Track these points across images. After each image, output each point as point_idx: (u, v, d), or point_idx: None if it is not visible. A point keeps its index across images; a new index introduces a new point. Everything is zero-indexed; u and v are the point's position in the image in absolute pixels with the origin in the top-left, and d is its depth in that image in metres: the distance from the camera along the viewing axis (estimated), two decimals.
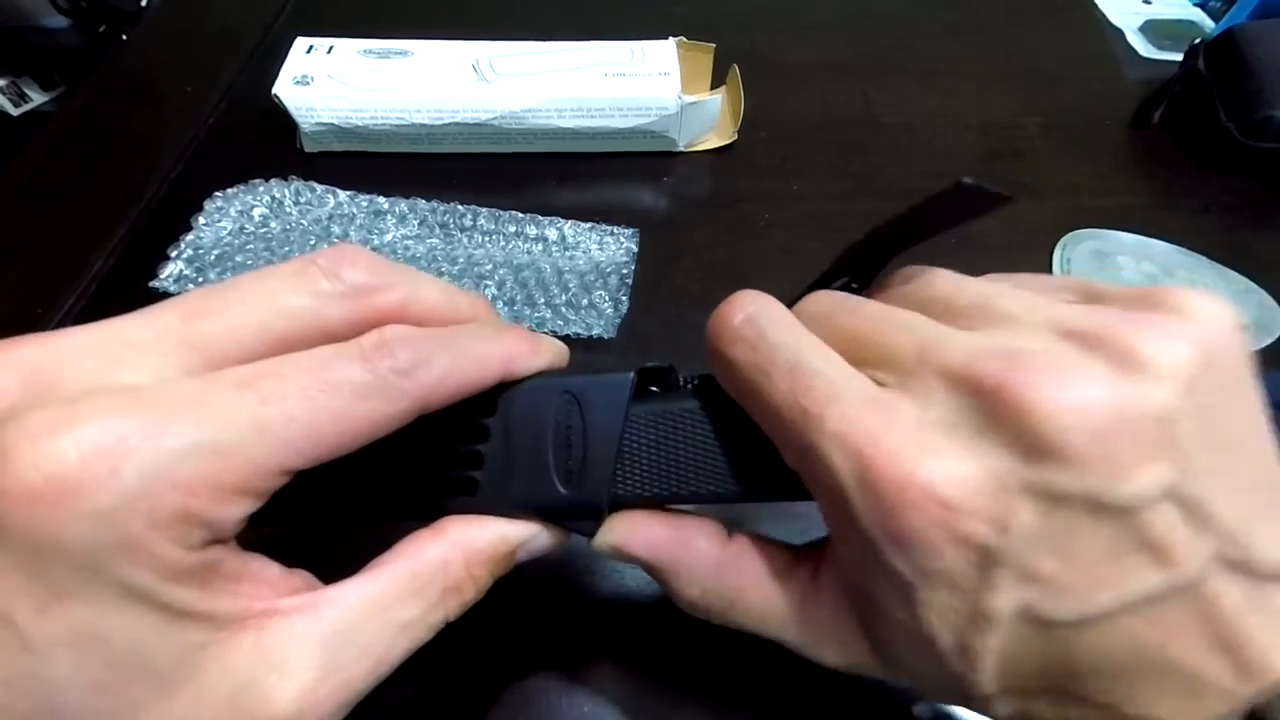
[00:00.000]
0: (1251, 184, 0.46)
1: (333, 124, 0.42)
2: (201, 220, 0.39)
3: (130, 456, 0.13)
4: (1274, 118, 0.43)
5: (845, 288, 0.21)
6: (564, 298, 0.37)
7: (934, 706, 0.25)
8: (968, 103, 0.51)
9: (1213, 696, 0.15)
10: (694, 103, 0.43)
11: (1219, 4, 0.60)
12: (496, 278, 0.38)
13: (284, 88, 0.42)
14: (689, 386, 0.21)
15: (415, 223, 0.40)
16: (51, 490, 0.13)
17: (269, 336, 0.16)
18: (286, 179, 0.41)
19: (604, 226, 0.40)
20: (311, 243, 0.39)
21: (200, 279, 0.37)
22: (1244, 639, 0.15)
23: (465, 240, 0.40)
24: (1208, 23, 0.59)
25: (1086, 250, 0.42)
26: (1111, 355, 0.15)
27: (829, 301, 0.19)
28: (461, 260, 0.38)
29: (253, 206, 0.40)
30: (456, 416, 0.19)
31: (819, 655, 0.19)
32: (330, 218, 0.40)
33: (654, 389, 0.21)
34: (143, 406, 0.14)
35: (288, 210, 0.40)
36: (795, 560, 0.20)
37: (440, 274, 0.38)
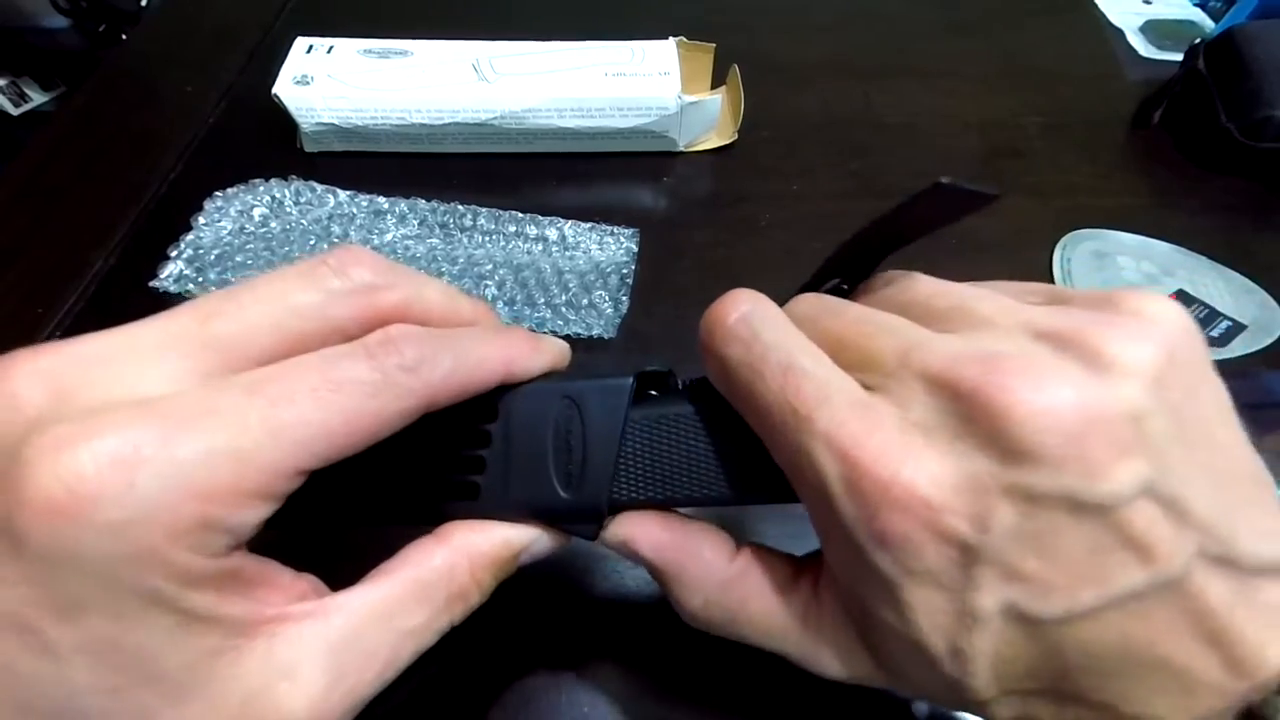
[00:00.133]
0: (1251, 184, 0.46)
1: (333, 124, 0.42)
2: (201, 220, 0.39)
3: (146, 467, 0.14)
4: (1274, 118, 0.43)
5: (836, 289, 0.21)
6: (564, 298, 0.37)
7: (933, 704, 0.25)
8: (968, 103, 0.51)
9: (1207, 693, 0.15)
10: (694, 102, 0.43)
11: (1219, 4, 0.60)
12: (496, 278, 0.38)
13: (284, 88, 0.42)
14: (687, 390, 0.21)
15: (415, 223, 0.40)
16: (70, 502, 0.13)
17: (282, 335, 0.17)
18: (286, 179, 0.41)
19: (604, 226, 0.40)
20: (311, 243, 0.39)
21: (200, 279, 0.37)
22: (1234, 634, 0.15)
23: (465, 240, 0.40)
24: (1208, 23, 0.59)
25: (1086, 250, 0.42)
26: (1081, 355, 0.15)
27: (815, 304, 0.19)
28: (461, 260, 0.38)
29: (253, 206, 0.40)
30: (458, 421, 0.19)
31: (822, 668, 0.19)
32: (330, 218, 0.40)
33: (653, 393, 0.21)
34: (158, 417, 0.14)
35: (288, 210, 0.40)
36: (797, 573, 0.20)
37: (440, 274, 0.38)
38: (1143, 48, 0.56)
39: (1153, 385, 0.15)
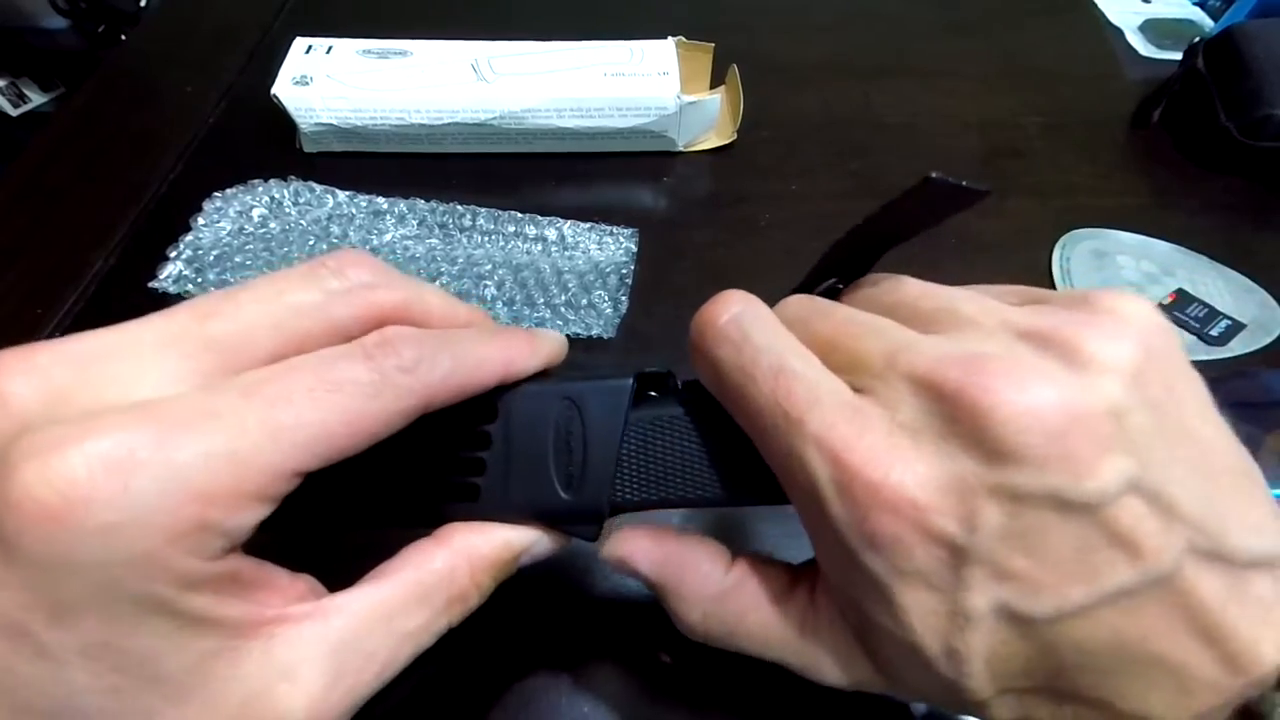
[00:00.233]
0: (1251, 183, 0.46)
1: (332, 124, 0.42)
2: (200, 221, 0.39)
3: (142, 470, 0.13)
4: (1273, 117, 0.43)
5: (831, 289, 0.21)
6: (563, 298, 0.37)
7: (932, 706, 0.25)
8: (968, 102, 0.51)
9: (1203, 690, 0.15)
10: (693, 102, 0.43)
11: (1218, 3, 0.60)
12: (496, 278, 0.38)
13: (283, 88, 0.42)
14: (687, 390, 0.21)
15: (415, 223, 0.40)
16: (63, 507, 0.13)
17: (281, 335, 0.17)
18: (285, 179, 0.41)
19: (603, 226, 0.40)
20: (310, 243, 0.39)
21: (199, 279, 0.37)
22: (1227, 630, 0.15)
23: (465, 240, 0.39)
24: (1207, 22, 0.59)
25: (1086, 250, 0.42)
26: (1061, 354, 0.15)
27: (805, 305, 0.20)
28: (461, 260, 0.38)
29: (252, 207, 0.40)
30: (458, 423, 0.19)
31: (821, 675, 0.19)
32: (329, 218, 0.40)
33: (652, 394, 0.21)
34: (153, 419, 0.14)
35: (287, 211, 0.40)
36: (793, 581, 0.20)
37: (440, 274, 0.38)
38: (1142, 47, 0.56)
39: (1131, 381, 0.15)
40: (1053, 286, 0.39)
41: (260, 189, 0.40)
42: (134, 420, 0.14)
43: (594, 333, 0.36)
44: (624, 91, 0.43)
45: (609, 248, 0.40)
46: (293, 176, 0.41)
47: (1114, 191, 0.46)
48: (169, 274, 0.37)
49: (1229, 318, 0.38)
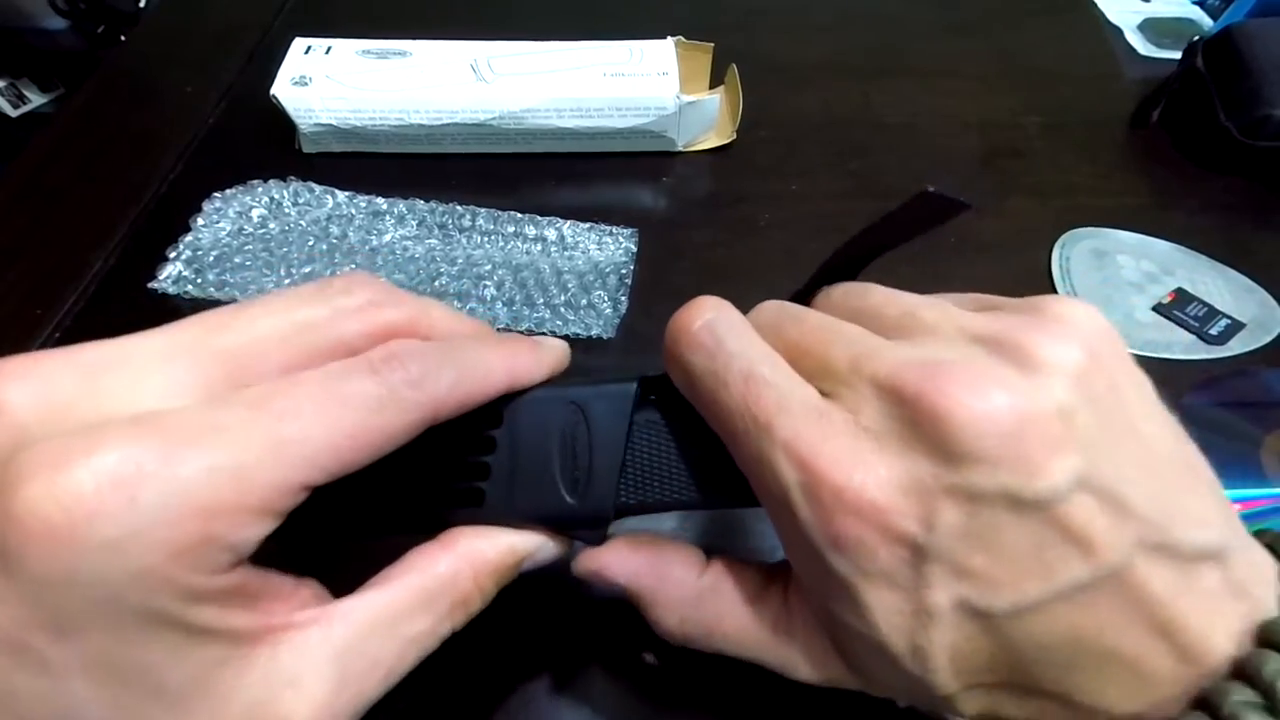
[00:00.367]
0: (1251, 183, 0.46)
1: (331, 125, 0.42)
2: (200, 221, 0.39)
3: (147, 485, 0.13)
4: (1273, 116, 0.43)
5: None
6: (563, 298, 0.37)
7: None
8: (968, 102, 0.51)
9: (1158, 682, 0.15)
10: (692, 102, 0.43)
11: (1217, 2, 0.60)
12: (495, 278, 0.38)
13: (282, 88, 0.42)
14: None
15: (414, 223, 0.40)
16: (67, 522, 0.13)
17: (290, 349, 0.17)
18: (285, 180, 0.41)
19: (603, 226, 0.40)
20: (310, 243, 0.39)
21: (199, 280, 0.37)
22: (1179, 622, 0.15)
23: (464, 240, 0.39)
24: (1206, 21, 0.59)
25: (1086, 249, 0.42)
26: (1014, 359, 0.16)
27: (778, 312, 0.20)
28: (460, 260, 0.38)
29: (251, 207, 0.40)
30: (463, 429, 0.19)
31: (797, 673, 0.19)
32: (329, 218, 0.40)
33: (653, 397, 0.21)
34: (159, 433, 0.14)
35: (286, 211, 0.40)
36: (768, 581, 0.20)
37: (439, 274, 0.38)
38: (1141, 46, 0.56)
39: (1076, 382, 0.16)
40: (1053, 286, 0.39)
41: (260, 189, 0.40)
42: (140, 434, 0.14)
43: (594, 333, 0.36)
44: (623, 91, 0.43)
45: (608, 248, 0.40)
46: (292, 177, 0.41)
47: (1114, 191, 0.46)
48: (169, 274, 0.37)
49: (1229, 317, 0.38)
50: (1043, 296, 0.18)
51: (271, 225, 0.39)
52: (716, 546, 0.22)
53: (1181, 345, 0.37)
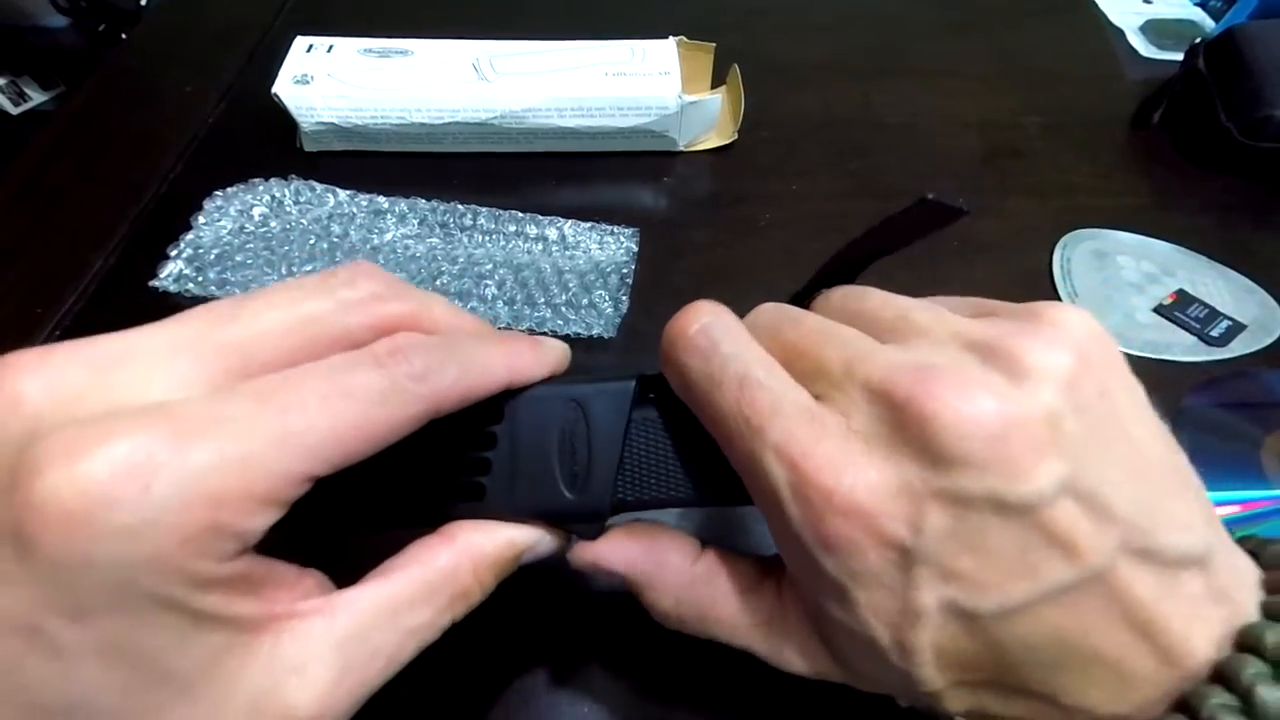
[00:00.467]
0: (1251, 184, 0.46)
1: (333, 123, 0.42)
2: (201, 220, 0.39)
3: (160, 473, 0.14)
4: (1274, 117, 0.43)
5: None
6: (564, 297, 0.37)
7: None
8: (968, 103, 0.51)
9: (1140, 684, 0.16)
10: (694, 102, 0.43)
11: (1219, 4, 0.60)
12: (496, 277, 0.38)
13: (284, 87, 0.42)
14: None
15: (415, 222, 0.40)
16: (84, 509, 0.13)
17: (294, 341, 0.17)
18: (286, 178, 0.41)
19: (604, 226, 0.40)
20: (311, 242, 0.39)
21: (200, 278, 0.37)
22: (1160, 625, 0.15)
23: (465, 240, 0.40)
24: (1208, 22, 0.59)
25: (1086, 250, 0.42)
26: (1004, 365, 0.16)
27: (775, 315, 0.20)
28: (461, 260, 0.38)
29: (252, 206, 0.40)
30: (464, 424, 0.19)
31: (787, 664, 0.20)
32: (330, 217, 0.40)
33: (652, 395, 0.21)
34: (169, 422, 0.14)
35: (287, 210, 0.40)
36: (763, 574, 0.21)
37: (440, 274, 0.38)
38: (1143, 47, 0.56)
39: (1065, 388, 0.16)
40: (1053, 286, 0.39)
41: (261, 188, 0.40)
42: (150, 424, 0.14)
43: (594, 332, 0.36)
44: (625, 91, 0.43)
45: (609, 247, 0.40)
46: (293, 175, 0.41)
47: (1114, 192, 0.46)
48: (169, 273, 0.37)
49: (1229, 318, 0.38)
50: (1038, 302, 0.18)
51: (273, 224, 0.39)
52: (712, 543, 0.22)
53: (1182, 347, 0.37)
